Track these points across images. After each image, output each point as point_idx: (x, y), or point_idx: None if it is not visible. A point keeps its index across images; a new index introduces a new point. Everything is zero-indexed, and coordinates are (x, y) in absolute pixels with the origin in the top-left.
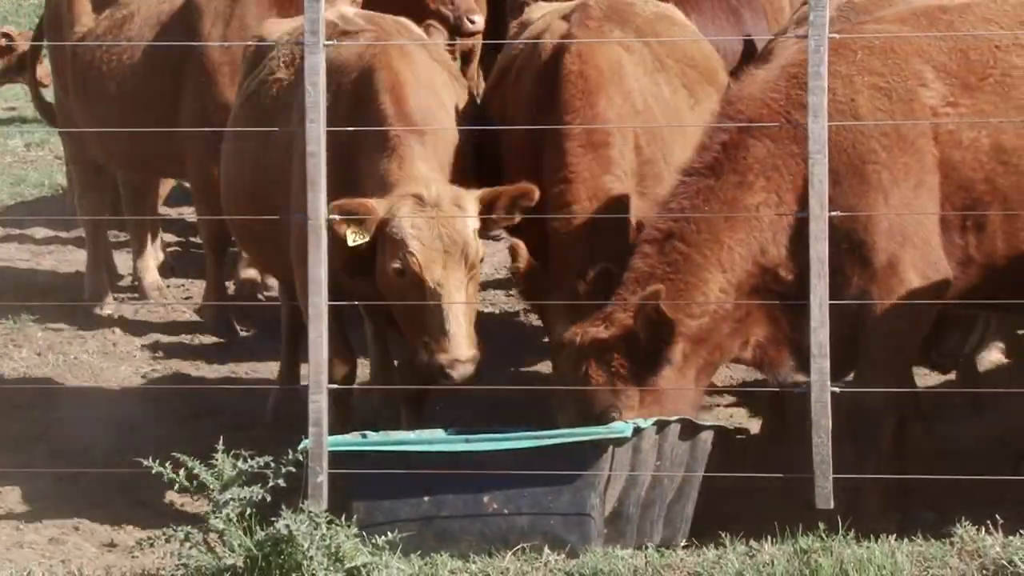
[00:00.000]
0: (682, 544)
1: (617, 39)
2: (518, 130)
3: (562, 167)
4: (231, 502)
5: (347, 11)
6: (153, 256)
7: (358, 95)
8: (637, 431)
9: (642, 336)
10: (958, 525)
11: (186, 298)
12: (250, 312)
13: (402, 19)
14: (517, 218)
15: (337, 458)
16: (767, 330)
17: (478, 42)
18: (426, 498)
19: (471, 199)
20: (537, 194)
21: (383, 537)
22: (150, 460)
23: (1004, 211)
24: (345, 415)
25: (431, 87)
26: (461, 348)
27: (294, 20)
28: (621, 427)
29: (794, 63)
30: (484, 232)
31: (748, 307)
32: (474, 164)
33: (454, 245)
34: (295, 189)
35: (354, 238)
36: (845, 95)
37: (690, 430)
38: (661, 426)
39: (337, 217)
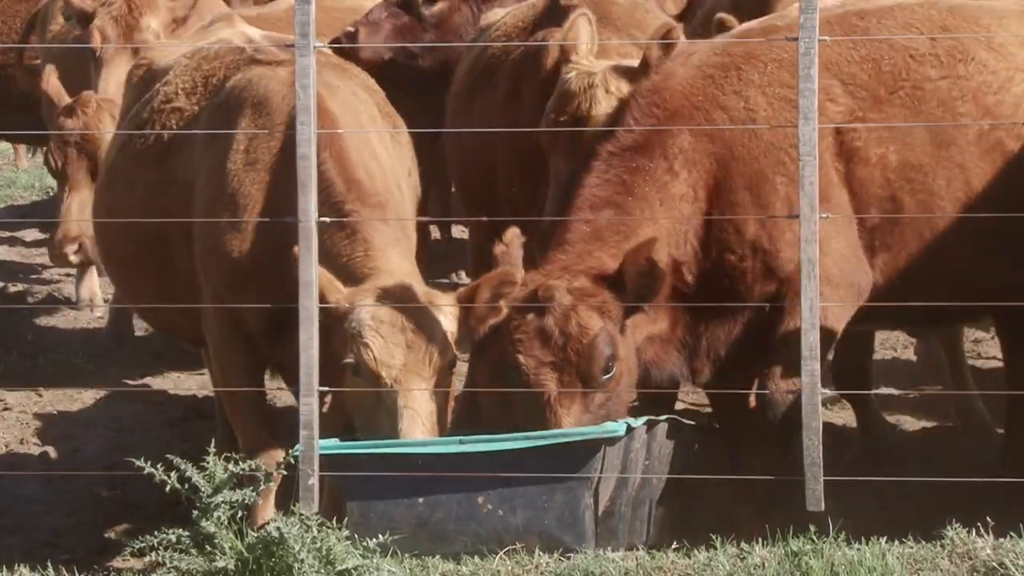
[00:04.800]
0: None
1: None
2: (525, 144)
3: None
4: (222, 505)
5: (253, 33)
6: None
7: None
8: (629, 430)
9: (629, 282)
10: (949, 527)
11: None
12: None
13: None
14: (504, 309)
15: (330, 461)
16: (663, 327)
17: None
18: (420, 499)
19: (446, 299)
20: (520, 278)
21: (374, 540)
22: (141, 462)
23: (909, 231)
24: None
25: (369, 136)
26: None
27: (189, 43)
28: (614, 426)
29: (709, 64)
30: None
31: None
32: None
33: (418, 342)
34: (200, 248)
35: None
36: (758, 104)
37: (674, 428)
38: (650, 425)
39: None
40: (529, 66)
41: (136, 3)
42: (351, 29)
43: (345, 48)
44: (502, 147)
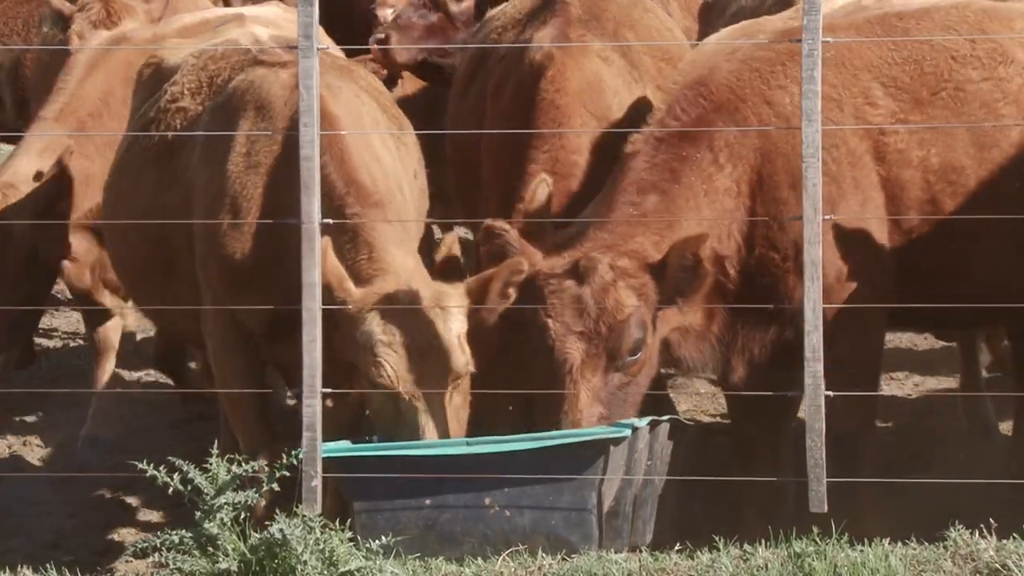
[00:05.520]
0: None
1: (596, 50)
2: (498, 148)
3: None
4: (225, 506)
5: (262, 33)
6: None
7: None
8: (634, 431)
9: (670, 274)
10: (952, 529)
11: None
12: None
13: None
14: (511, 298)
15: (337, 463)
16: (697, 321)
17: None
18: (427, 501)
19: (456, 296)
20: (527, 266)
21: (377, 541)
22: (144, 464)
23: (946, 234)
24: None
25: (370, 138)
26: None
27: (199, 41)
28: (620, 427)
29: (755, 58)
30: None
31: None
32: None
33: (432, 352)
34: (200, 250)
35: None
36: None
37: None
38: (652, 425)
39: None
40: (513, 61)
41: (114, 8)
42: (381, 35)
43: (379, 54)
44: (484, 139)
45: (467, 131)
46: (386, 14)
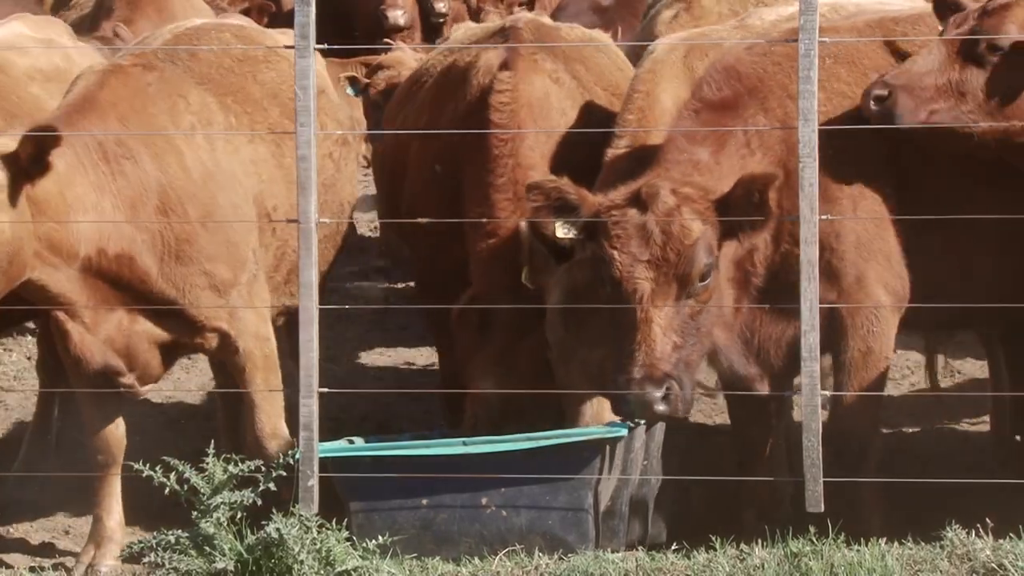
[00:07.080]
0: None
1: (548, 70)
2: (429, 156)
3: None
4: (221, 506)
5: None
6: None
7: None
8: (631, 431)
9: (735, 208)
10: (948, 528)
11: None
12: None
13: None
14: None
15: (333, 463)
16: (729, 303)
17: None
18: (424, 501)
19: None
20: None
21: (374, 541)
22: (140, 463)
23: (957, 233)
24: None
25: (139, 120)
26: None
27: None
28: (617, 427)
29: (776, 52)
30: None
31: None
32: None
33: None
34: None
35: None
36: (818, 99)
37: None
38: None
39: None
40: (456, 78)
41: None
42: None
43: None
44: (415, 148)
45: (453, 131)
46: (396, 15)
